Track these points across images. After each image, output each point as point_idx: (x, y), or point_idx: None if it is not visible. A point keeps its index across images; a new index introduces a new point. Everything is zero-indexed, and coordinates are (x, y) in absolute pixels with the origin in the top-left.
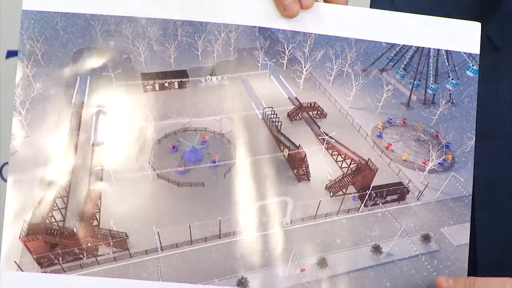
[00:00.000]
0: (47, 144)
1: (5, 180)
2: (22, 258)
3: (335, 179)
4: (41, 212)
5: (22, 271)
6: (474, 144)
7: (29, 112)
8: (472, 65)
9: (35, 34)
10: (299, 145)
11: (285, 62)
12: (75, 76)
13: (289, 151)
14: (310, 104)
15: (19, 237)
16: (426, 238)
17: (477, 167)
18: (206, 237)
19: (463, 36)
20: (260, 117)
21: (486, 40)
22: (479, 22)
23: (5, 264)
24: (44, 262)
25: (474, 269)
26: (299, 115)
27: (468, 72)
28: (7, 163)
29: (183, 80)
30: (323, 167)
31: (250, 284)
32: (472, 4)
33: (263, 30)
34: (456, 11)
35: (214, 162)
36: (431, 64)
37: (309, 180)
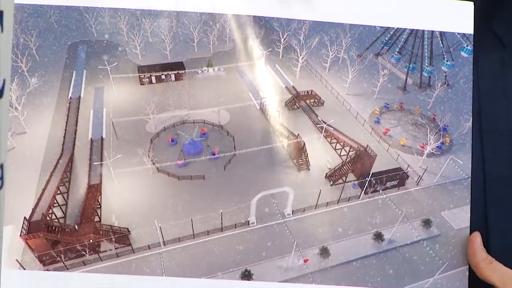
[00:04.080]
0: (44, 140)
1: None
2: (23, 256)
3: (335, 168)
4: (41, 209)
5: (24, 269)
6: (471, 126)
7: (25, 107)
8: (466, 46)
9: (29, 28)
10: (298, 134)
11: (280, 50)
12: (71, 70)
13: (288, 141)
14: (307, 92)
15: (20, 235)
16: (427, 223)
17: (486, 164)
18: (208, 231)
19: (456, 16)
20: (258, 107)
21: (492, 36)
22: (487, 19)
23: (6, 262)
24: (46, 260)
25: None
26: (297, 104)
27: (462, 53)
28: None
29: (180, 72)
30: (322, 155)
31: (254, 277)
32: (479, 1)
33: (257, 19)
34: None
35: (214, 155)
36: (426, 46)
37: (309, 170)
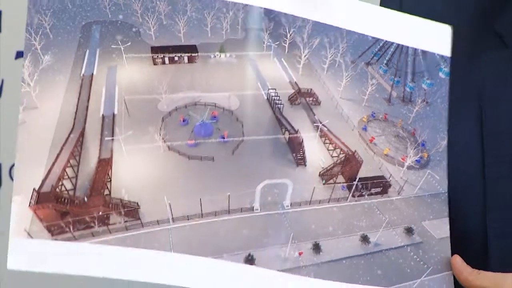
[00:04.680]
0: (56, 115)
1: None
2: (32, 225)
3: (327, 167)
4: (51, 181)
5: (32, 238)
6: (446, 144)
7: (37, 83)
8: (444, 67)
9: (43, 8)
10: (298, 129)
11: (286, 46)
12: (84, 49)
13: (289, 134)
14: (308, 90)
15: (29, 205)
16: (409, 231)
17: (487, 166)
18: (216, 212)
19: (436, 37)
20: (265, 97)
21: (495, 37)
22: (489, 19)
23: (14, 231)
24: (55, 230)
25: (485, 269)
26: (298, 100)
27: (440, 74)
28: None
29: (193, 54)
30: (317, 154)
31: (256, 262)
32: (482, 1)
33: (268, 12)
34: (465, 8)
35: (223, 138)
36: (409, 62)
37: (305, 166)
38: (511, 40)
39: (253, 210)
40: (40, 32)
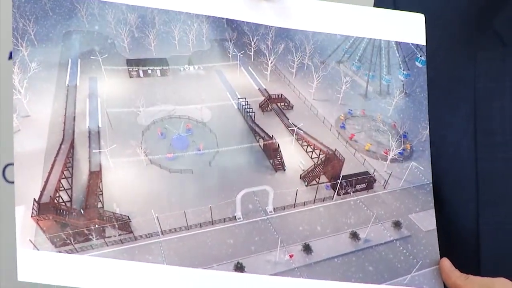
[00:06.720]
0: (46, 125)
1: (8, 182)
2: (36, 237)
3: (308, 169)
4: (48, 192)
5: (38, 250)
6: (428, 134)
7: (27, 91)
8: (420, 56)
9: (27, 14)
10: (272, 135)
11: (252, 54)
12: (67, 58)
13: (264, 141)
14: (278, 95)
15: (31, 216)
16: (397, 225)
17: (481, 163)
18: (200, 223)
19: (409, 27)
20: (236, 107)
21: (492, 34)
22: (485, 18)
23: (20, 242)
24: (57, 242)
25: (478, 269)
26: (269, 106)
27: (417, 63)
28: (9, 164)
29: (164, 68)
30: (295, 157)
31: (246, 269)
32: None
33: (230, 22)
34: (460, 7)
35: (199, 150)
36: (383, 56)
37: (285, 170)
38: (509, 38)
39: (235, 219)
40: (25, 38)
